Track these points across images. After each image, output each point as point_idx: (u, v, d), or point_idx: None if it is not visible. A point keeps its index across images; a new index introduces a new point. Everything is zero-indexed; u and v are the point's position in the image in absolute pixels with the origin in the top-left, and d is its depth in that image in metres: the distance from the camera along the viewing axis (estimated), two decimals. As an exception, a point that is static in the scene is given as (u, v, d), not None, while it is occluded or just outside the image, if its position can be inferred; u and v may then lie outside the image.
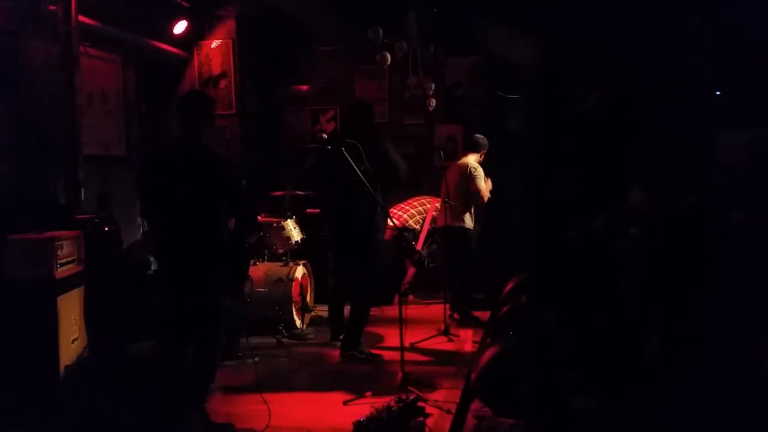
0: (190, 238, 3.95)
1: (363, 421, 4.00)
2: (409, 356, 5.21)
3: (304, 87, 8.77)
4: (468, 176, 6.54)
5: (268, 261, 6.52)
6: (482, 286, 7.39)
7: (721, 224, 3.75)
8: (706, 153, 7.47)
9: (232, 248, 4.08)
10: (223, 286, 4.12)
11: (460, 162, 6.73)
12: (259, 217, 6.24)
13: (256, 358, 5.57)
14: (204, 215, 3.96)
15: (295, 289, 6.29)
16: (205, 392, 4.16)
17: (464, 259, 6.72)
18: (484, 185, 6.57)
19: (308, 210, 7.51)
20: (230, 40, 7.89)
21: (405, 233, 7.25)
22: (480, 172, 6.55)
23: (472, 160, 6.64)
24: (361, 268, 5.55)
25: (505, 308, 5.40)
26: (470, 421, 4.23)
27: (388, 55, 7.04)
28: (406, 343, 5.24)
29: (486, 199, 6.62)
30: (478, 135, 6.83)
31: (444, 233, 6.82)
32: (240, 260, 4.24)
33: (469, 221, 6.67)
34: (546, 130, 7.24)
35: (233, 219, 4.14)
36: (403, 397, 4.26)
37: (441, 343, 6.03)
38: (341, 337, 5.78)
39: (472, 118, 8.32)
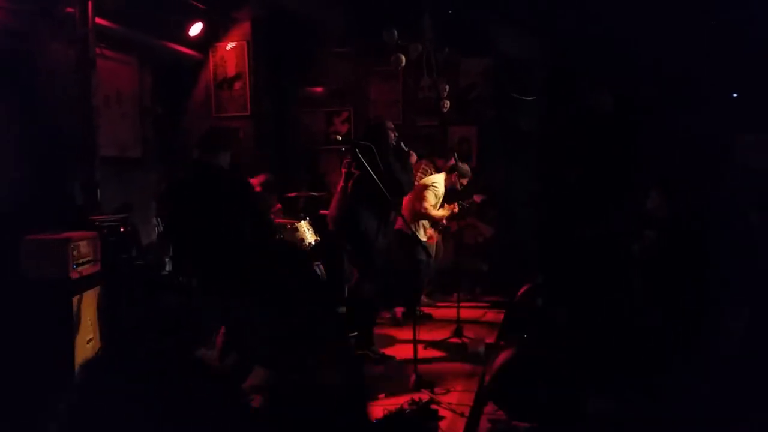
0: (220, 254, 4.01)
1: (376, 423, 4.00)
2: (423, 358, 5.20)
3: (319, 88, 8.79)
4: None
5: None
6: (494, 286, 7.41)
7: (737, 226, 3.72)
8: (721, 155, 7.42)
9: (260, 259, 4.15)
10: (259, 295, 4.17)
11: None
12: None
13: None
14: (228, 231, 4.02)
15: (308, 291, 6.30)
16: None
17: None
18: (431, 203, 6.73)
19: (322, 211, 7.51)
20: (245, 42, 7.92)
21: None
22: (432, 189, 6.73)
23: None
24: (360, 271, 5.57)
25: (519, 310, 5.38)
26: (484, 425, 4.21)
27: (403, 57, 7.03)
28: (420, 346, 5.24)
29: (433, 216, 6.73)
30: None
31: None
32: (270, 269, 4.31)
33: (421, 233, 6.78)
34: (557, 132, 7.23)
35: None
36: (417, 399, 4.27)
37: (454, 345, 6.01)
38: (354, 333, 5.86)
39: (486, 119, 8.31)
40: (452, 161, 7.16)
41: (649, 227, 5.16)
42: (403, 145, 5.65)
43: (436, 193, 6.77)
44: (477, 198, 7.43)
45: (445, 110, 7.76)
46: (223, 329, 4.55)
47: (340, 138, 5.97)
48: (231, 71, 7.96)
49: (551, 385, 3.59)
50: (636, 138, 7.33)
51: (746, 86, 7.48)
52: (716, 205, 4.61)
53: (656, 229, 5.06)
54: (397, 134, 5.64)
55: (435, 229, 7.04)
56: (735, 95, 7.98)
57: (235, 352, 4.14)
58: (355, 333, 5.83)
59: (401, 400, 4.31)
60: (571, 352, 4.06)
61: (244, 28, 7.94)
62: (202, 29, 7.44)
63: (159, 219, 6.67)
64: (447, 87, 7.66)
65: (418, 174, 7.22)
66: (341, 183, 5.73)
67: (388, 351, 5.67)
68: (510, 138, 7.80)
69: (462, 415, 4.29)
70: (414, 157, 6.64)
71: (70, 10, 5.41)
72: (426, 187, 6.79)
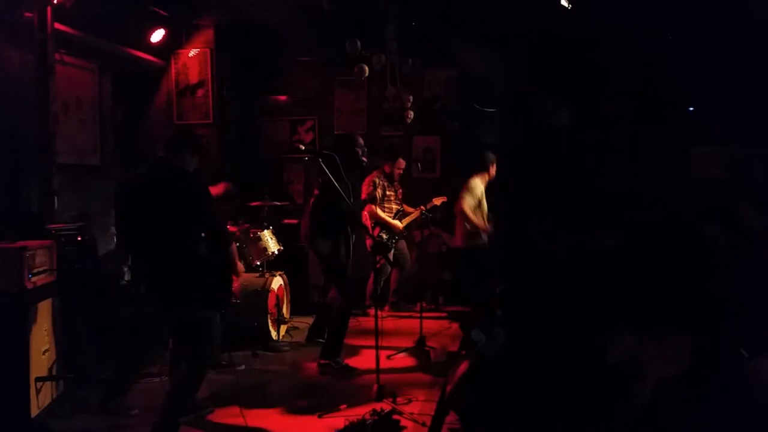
0: (169, 257, 3.96)
1: (337, 434, 4.00)
2: (385, 368, 5.20)
3: (283, 97, 8.76)
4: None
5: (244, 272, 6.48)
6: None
7: (693, 239, 3.78)
8: (679, 167, 7.57)
9: (212, 267, 4.10)
10: (209, 302, 4.11)
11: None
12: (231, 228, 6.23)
13: (242, 366, 5.57)
14: (180, 234, 3.97)
15: (271, 301, 6.26)
16: (187, 404, 4.16)
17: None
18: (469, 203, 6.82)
19: (285, 220, 7.48)
20: (208, 49, 7.86)
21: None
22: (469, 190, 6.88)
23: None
24: (333, 281, 5.57)
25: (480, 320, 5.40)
26: (445, 434, 4.23)
27: (366, 67, 7.06)
28: (383, 356, 5.24)
29: (470, 217, 6.82)
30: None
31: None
32: (221, 278, 4.25)
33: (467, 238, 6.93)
34: (518, 145, 7.31)
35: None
36: (378, 409, 4.27)
37: (417, 355, 6.03)
38: (319, 339, 5.86)
39: (450, 130, 8.38)
40: (401, 162, 7.46)
41: (606, 237, 5.21)
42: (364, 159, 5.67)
43: (473, 193, 6.89)
44: (438, 200, 7.53)
45: (409, 121, 7.81)
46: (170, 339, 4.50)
47: (304, 147, 5.98)
48: (193, 78, 7.90)
49: (510, 394, 3.61)
50: (594, 150, 7.44)
51: (704, 98, 7.65)
52: (668, 216, 4.70)
53: (612, 239, 5.12)
54: (365, 150, 5.65)
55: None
56: (691, 109, 8.16)
57: (184, 361, 4.09)
58: (322, 341, 5.83)
59: (363, 411, 4.30)
60: (533, 361, 4.08)
61: (207, 35, 7.88)
62: (164, 36, 7.37)
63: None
64: (411, 97, 7.71)
65: (370, 187, 7.30)
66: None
67: (351, 361, 5.66)
68: (473, 148, 7.87)
69: (423, 424, 4.30)
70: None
71: (28, 14, 5.32)
72: (464, 188, 6.98)
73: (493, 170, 7.09)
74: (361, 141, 5.65)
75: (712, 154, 7.60)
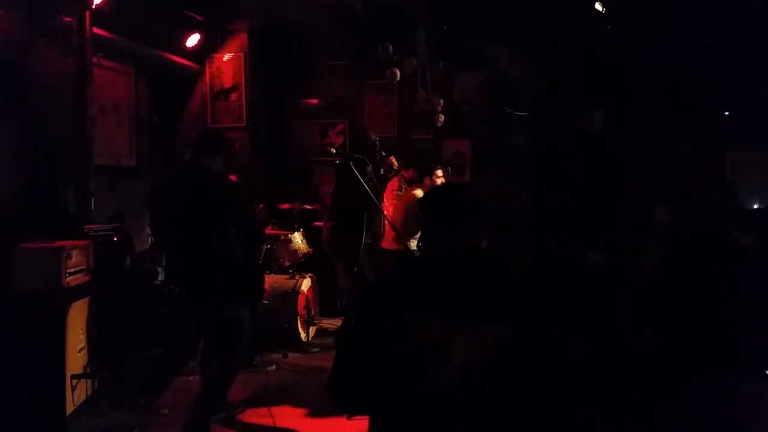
0: (203, 257, 4.03)
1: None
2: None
3: (314, 100, 8.82)
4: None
5: (274, 273, 6.54)
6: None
7: (723, 243, 3.73)
8: (712, 171, 7.47)
9: (245, 266, 4.16)
10: (241, 301, 4.18)
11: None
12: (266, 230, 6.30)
13: (273, 366, 5.63)
14: (213, 235, 4.03)
15: (300, 302, 6.31)
16: (218, 404, 4.23)
17: None
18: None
19: (315, 223, 7.54)
20: (242, 54, 7.96)
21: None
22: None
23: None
24: (352, 283, 5.64)
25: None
26: None
27: (397, 72, 7.08)
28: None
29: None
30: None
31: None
32: (254, 277, 4.31)
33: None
34: (548, 149, 7.24)
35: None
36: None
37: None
38: None
39: (480, 133, 8.36)
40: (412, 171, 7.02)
41: (654, 242, 5.12)
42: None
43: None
44: None
45: (439, 124, 7.81)
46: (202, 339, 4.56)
47: (335, 150, 6.03)
48: (227, 82, 8.00)
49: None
50: (629, 151, 7.37)
51: (738, 101, 7.54)
52: (703, 221, 4.63)
53: (663, 245, 5.03)
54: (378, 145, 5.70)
55: None
56: (726, 113, 8.05)
57: (216, 360, 4.15)
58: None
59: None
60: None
61: (241, 39, 7.98)
62: (199, 40, 7.48)
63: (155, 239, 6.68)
64: (441, 101, 7.71)
65: (395, 191, 7.24)
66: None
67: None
68: (503, 152, 7.85)
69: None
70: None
71: (67, 19, 5.44)
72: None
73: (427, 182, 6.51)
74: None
75: (745, 159, 7.49)
